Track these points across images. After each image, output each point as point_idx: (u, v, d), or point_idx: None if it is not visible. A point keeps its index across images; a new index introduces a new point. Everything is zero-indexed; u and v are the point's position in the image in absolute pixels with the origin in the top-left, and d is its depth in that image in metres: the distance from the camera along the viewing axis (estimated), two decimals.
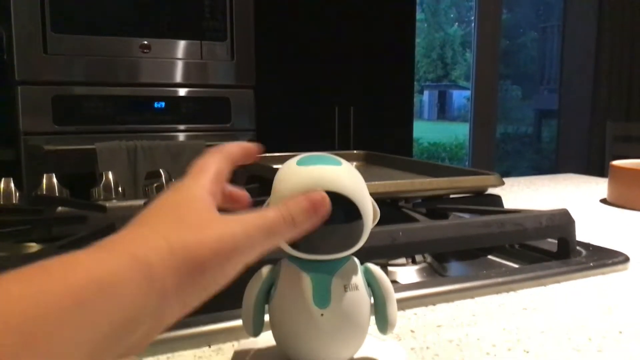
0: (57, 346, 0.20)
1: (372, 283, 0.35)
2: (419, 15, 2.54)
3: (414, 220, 0.68)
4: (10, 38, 1.63)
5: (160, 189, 0.81)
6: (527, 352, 0.41)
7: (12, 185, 0.76)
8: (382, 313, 0.35)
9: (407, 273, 0.59)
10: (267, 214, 0.29)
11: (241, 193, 0.35)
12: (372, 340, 0.38)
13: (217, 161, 0.32)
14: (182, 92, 1.85)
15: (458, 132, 4.15)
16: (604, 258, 0.61)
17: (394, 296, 0.35)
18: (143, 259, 0.24)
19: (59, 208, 0.70)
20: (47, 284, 0.21)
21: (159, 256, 0.24)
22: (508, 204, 0.85)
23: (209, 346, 0.42)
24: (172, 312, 0.25)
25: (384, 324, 0.35)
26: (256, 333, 0.35)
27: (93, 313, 0.21)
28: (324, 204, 0.30)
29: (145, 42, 1.77)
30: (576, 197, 1.08)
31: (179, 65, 1.83)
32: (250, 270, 0.35)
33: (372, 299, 0.35)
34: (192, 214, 0.28)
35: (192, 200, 0.29)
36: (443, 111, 4.82)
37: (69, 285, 0.21)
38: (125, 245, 0.25)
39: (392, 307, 0.34)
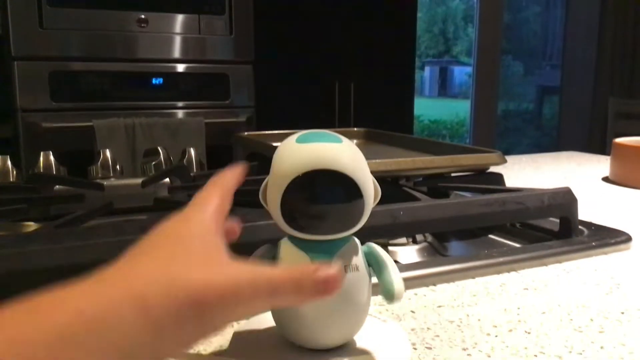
0: None
1: (372, 261, 0.34)
2: None
3: (415, 199, 0.68)
4: (6, 12, 1.61)
5: (158, 166, 0.81)
6: (529, 332, 0.41)
7: (9, 163, 0.75)
8: (386, 281, 0.33)
9: (408, 253, 0.59)
10: (277, 273, 0.26)
11: (232, 226, 0.33)
12: (373, 321, 0.37)
13: (218, 195, 0.30)
14: (180, 67, 1.83)
15: (459, 109, 4.13)
16: (606, 237, 0.61)
17: (396, 268, 0.34)
18: (139, 294, 0.22)
19: (57, 186, 0.70)
20: (33, 323, 0.20)
21: (158, 292, 0.23)
22: (510, 182, 0.85)
23: None
24: (168, 350, 0.24)
25: (390, 291, 0.33)
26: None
27: (81, 349, 0.20)
28: (336, 282, 0.26)
29: (143, 16, 1.75)
30: (578, 176, 1.08)
31: (177, 40, 1.81)
32: (249, 250, 0.34)
33: (372, 279, 0.34)
34: (198, 248, 0.26)
35: (199, 233, 0.27)
36: (444, 87, 4.79)
37: (56, 323, 0.20)
38: (122, 277, 0.24)
39: (396, 274, 0.33)
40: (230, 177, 0.32)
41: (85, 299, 0.22)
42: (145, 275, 0.24)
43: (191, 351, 0.36)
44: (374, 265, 0.34)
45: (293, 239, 0.33)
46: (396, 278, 0.33)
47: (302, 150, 0.31)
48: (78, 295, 0.22)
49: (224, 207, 0.30)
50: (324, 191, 0.31)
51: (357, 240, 0.34)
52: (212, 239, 0.27)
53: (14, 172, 0.75)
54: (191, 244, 0.26)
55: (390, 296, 0.33)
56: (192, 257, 0.25)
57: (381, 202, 0.35)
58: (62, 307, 0.21)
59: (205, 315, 0.24)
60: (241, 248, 0.36)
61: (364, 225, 0.33)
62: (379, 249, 0.35)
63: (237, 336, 0.36)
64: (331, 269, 0.26)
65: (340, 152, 0.31)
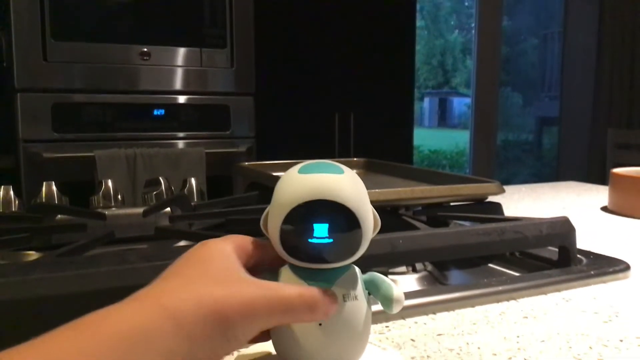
0: None
1: (372, 287, 0.34)
2: (419, 22, 2.54)
3: (414, 228, 0.68)
4: (10, 45, 1.63)
5: (159, 196, 0.81)
6: None
7: (12, 192, 0.76)
8: (385, 292, 0.34)
9: (408, 281, 0.59)
10: (288, 292, 0.30)
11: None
12: (373, 349, 0.37)
13: (242, 237, 0.34)
14: (181, 99, 1.85)
15: (459, 139, 4.15)
16: (605, 266, 0.61)
17: (393, 283, 0.34)
18: (172, 309, 0.26)
19: (59, 216, 0.70)
20: (80, 341, 0.23)
21: (188, 307, 0.26)
22: (509, 212, 0.85)
23: None
24: (202, 357, 0.27)
25: (388, 301, 0.33)
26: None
27: (138, 357, 0.23)
28: (319, 308, 0.31)
29: (145, 50, 1.77)
30: (577, 205, 1.08)
31: (179, 73, 1.83)
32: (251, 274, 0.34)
33: (372, 308, 0.35)
34: (220, 270, 0.30)
35: (220, 257, 0.31)
36: (444, 118, 4.83)
37: (102, 339, 0.23)
38: (156, 297, 0.27)
39: (397, 288, 0.34)
40: (254, 242, 0.35)
41: (127, 316, 0.25)
42: (175, 293, 0.27)
43: None
44: (372, 286, 0.34)
45: (293, 267, 0.33)
46: (395, 287, 0.34)
47: (302, 181, 0.32)
48: (120, 314, 0.25)
49: (246, 247, 0.34)
50: (322, 221, 0.31)
51: (357, 269, 0.35)
52: (231, 262, 0.31)
53: (17, 202, 0.75)
54: (211, 265, 0.30)
55: (388, 303, 0.33)
56: (214, 278, 0.29)
57: (381, 231, 0.35)
58: (106, 325, 0.24)
59: (228, 327, 0.27)
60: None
61: (364, 254, 0.33)
62: (376, 276, 0.35)
63: (238, 356, 0.36)
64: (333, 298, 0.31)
65: (341, 182, 0.32)
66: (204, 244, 0.32)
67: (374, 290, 0.34)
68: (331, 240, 0.31)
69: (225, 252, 0.31)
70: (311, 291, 0.31)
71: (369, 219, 0.33)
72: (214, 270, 0.29)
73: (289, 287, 0.31)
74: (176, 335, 0.25)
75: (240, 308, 0.28)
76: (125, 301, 0.26)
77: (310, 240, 0.31)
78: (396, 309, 0.34)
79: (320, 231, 0.31)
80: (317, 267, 0.32)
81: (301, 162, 0.34)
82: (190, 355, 0.26)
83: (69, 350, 0.22)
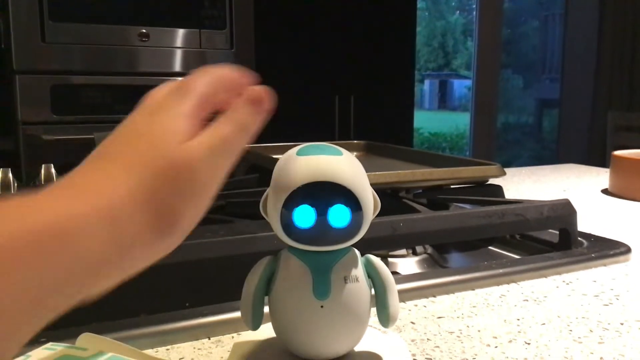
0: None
1: (372, 275, 0.34)
2: (419, 3, 2.52)
3: (415, 210, 0.68)
4: (8, 27, 1.62)
5: None
6: (528, 343, 0.41)
7: (11, 175, 0.75)
8: (383, 305, 0.34)
9: (408, 264, 0.59)
10: (222, 130, 0.28)
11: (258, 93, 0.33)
12: (373, 332, 0.37)
13: (205, 83, 0.29)
14: None
15: (459, 121, 4.14)
16: (606, 249, 0.61)
17: (395, 288, 0.34)
18: (105, 203, 0.22)
19: None
20: (1, 225, 0.20)
21: (122, 199, 0.23)
22: (509, 195, 0.85)
23: (209, 338, 0.41)
24: (137, 262, 0.24)
25: (385, 316, 0.34)
26: (255, 326, 0.34)
27: (45, 258, 0.20)
28: (263, 99, 0.30)
29: (144, 31, 1.76)
30: (578, 188, 1.08)
31: (178, 54, 1.82)
32: (250, 262, 0.34)
33: (372, 290, 0.35)
34: (161, 142, 0.26)
35: (165, 131, 0.26)
36: (444, 101, 4.81)
37: (25, 229, 0.20)
38: (87, 185, 0.23)
39: (394, 299, 0.34)
40: (226, 71, 0.31)
41: (53, 207, 0.21)
42: (109, 181, 0.23)
43: None
44: (373, 282, 0.34)
45: (293, 250, 0.33)
46: (392, 302, 0.34)
47: (302, 163, 0.32)
48: (46, 204, 0.22)
49: (208, 99, 0.29)
50: (322, 203, 0.31)
51: (356, 251, 0.34)
52: (178, 137, 0.26)
53: (15, 185, 0.75)
54: (154, 139, 0.26)
55: (385, 321, 0.34)
56: (153, 148, 0.26)
57: (381, 213, 0.35)
58: (32, 214, 0.21)
59: (180, 176, 0.24)
60: (242, 259, 0.36)
61: (364, 236, 0.33)
62: (377, 262, 0.35)
63: (238, 347, 0.36)
64: (251, 91, 0.30)
65: (340, 164, 0.32)
66: (154, 111, 0.28)
67: (373, 285, 0.34)
68: (332, 222, 0.31)
69: (176, 124, 0.27)
70: (238, 115, 0.29)
71: (369, 200, 0.32)
72: (155, 144, 0.26)
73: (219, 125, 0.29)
74: (106, 236, 0.22)
75: (189, 151, 0.25)
76: (53, 189, 0.23)
77: (310, 222, 0.31)
78: (390, 326, 0.34)
79: (321, 213, 0.31)
80: (317, 249, 0.32)
81: (300, 144, 0.34)
82: (121, 262, 0.23)
83: None
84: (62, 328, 0.36)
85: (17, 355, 0.30)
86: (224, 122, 0.28)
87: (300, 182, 0.31)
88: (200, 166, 0.26)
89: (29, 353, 0.31)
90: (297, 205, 0.31)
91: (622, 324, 0.44)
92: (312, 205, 0.31)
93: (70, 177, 0.24)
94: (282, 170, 0.32)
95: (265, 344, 0.36)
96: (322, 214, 0.31)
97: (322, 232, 0.31)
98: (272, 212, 0.32)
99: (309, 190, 0.31)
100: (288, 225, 0.31)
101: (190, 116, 0.27)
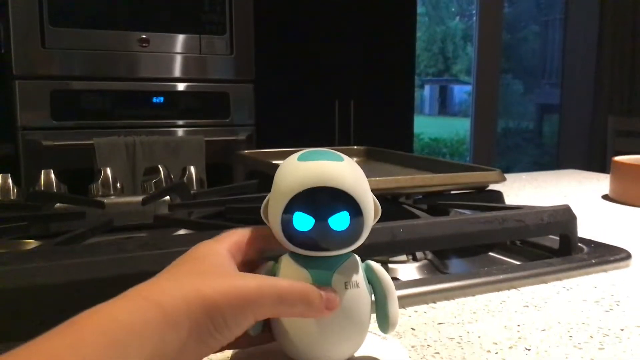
0: None
1: (373, 280, 0.34)
2: (419, 9, 2.53)
3: (415, 216, 0.68)
4: (8, 32, 1.62)
5: (158, 184, 0.81)
6: (529, 349, 0.41)
7: (10, 181, 0.75)
8: (383, 312, 0.34)
9: (408, 270, 0.59)
10: (281, 282, 0.31)
11: None
12: (373, 338, 0.37)
13: (240, 233, 0.34)
14: (181, 86, 1.85)
15: (459, 127, 4.14)
16: (606, 255, 0.61)
17: (395, 294, 0.34)
18: (159, 302, 0.26)
19: (57, 204, 0.70)
20: (80, 333, 0.23)
21: (175, 298, 0.27)
22: (509, 200, 0.85)
23: None
24: (193, 349, 0.27)
25: (385, 322, 0.34)
26: (256, 331, 0.34)
27: (123, 351, 0.24)
28: (336, 302, 0.31)
29: (144, 36, 1.76)
30: (578, 193, 1.08)
31: (178, 60, 1.82)
32: (251, 267, 0.34)
33: (372, 296, 0.34)
34: (211, 266, 0.30)
35: (212, 256, 0.31)
36: (444, 106, 4.81)
37: (101, 331, 0.24)
38: (144, 292, 0.27)
39: (394, 305, 0.34)
40: (256, 231, 0.35)
41: (113, 312, 0.25)
42: (163, 288, 0.28)
43: None
44: (373, 288, 0.34)
45: (294, 255, 0.33)
46: (392, 308, 0.34)
47: (303, 168, 0.32)
48: (105, 311, 0.25)
49: (242, 245, 0.34)
50: (323, 208, 0.31)
51: (357, 257, 0.34)
52: (222, 260, 0.31)
53: (15, 190, 0.75)
54: (203, 263, 0.30)
55: (385, 327, 0.34)
56: (203, 272, 0.29)
57: (381, 219, 0.35)
58: (93, 322, 0.24)
59: (216, 315, 0.27)
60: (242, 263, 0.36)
61: (364, 242, 0.33)
62: (378, 268, 0.35)
63: (238, 353, 0.36)
64: (332, 295, 0.31)
65: (342, 170, 0.32)
66: (198, 246, 0.32)
67: (374, 291, 0.34)
68: (332, 227, 0.31)
69: (218, 251, 0.31)
70: (304, 284, 0.31)
71: (370, 206, 0.32)
72: (205, 267, 0.30)
73: (283, 279, 0.32)
74: (164, 327, 0.26)
75: (226, 293, 0.28)
76: (114, 299, 0.26)
77: (311, 228, 0.31)
78: (390, 332, 0.34)
79: (322, 218, 0.31)
80: (318, 254, 0.32)
81: (301, 149, 0.34)
82: (180, 346, 0.26)
83: (56, 350, 0.22)
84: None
85: None
86: (292, 282, 0.31)
87: (301, 187, 0.31)
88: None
89: None
90: (298, 210, 0.31)
91: (622, 329, 0.44)
92: (312, 211, 0.31)
93: (132, 288, 0.28)
94: (283, 176, 0.32)
95: (265, 348, 0.36)
96: (322, 219, 0.31)
97: (322, 237, 0.31)
98: (273, 217, 0.32)
99: (310, 196, 0.31)
100: (289, 230, 0.31)
101: (228, 249, 0.33)
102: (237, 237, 0.34)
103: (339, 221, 0.31)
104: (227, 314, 0.28)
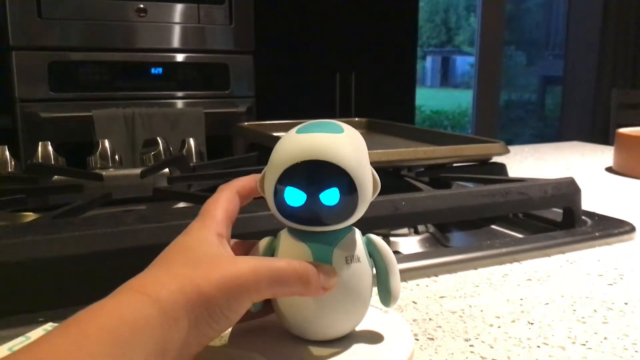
0: None
1: (374, 254, 0.34)
2: None
3: (417, 189, 0.67)
4: (4, 2, 1.60)
5: (157, 157, 0.80)
6: (532, 323, 0.40)
7: (8, 153, 0.75)
8: (384, 285, 0.33)
9: (410, 243, 0.58)
10: (277, 262, 0.30)
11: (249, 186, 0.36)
12: (375, 312, 0.37)
13: (225, 200, 0.34)
14: (179, 57, 1.82)
15: (461, 99, 4.11)
16: (610, 228, 0.60)
17: (397, 268, 0.34)
18: (155, 296, 0.26)
19: (55, 177, 0.69)
20: (85, 331, 0.23)
21: (170, 291, 0.27)
22: (512, 173, 0.84)
23: None
24: (194, 341, 0.27)
25: (386, 296, 0.33)
26: (257, 308, 0.34)
27: (128, 348, 0.24)
28: (331, 284, 0.31)
29: (141, 6, 1.73)
30: (581, 166, 1.07)
31: (176, 30, 1.80)
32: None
33: (374, 270, 0.34)
34: (200, 255, 0.30)
35: (200, 243, 0.31)
36: (446, 78, 4.77)
37: (106, 329, 0.24)
38: (139, 287, 0.27)
39: (395, 279, 0.33)
40: (243, 181, 0.35)
41: (110, 310, 0.25)
42: (157, 280, 0.27)
43: None
44: (374, 261, 0.34)
45: (292, 230, 0.32)
46: (394, 282, 0.33)
47: (297, 141, 0.31)
48: (103, 309, 0.25)
49: (230, 214, 0.33)
50: (315, 182, 0.30)
51: (358, 231, 0.34)
52: (212, 246, 0.31)
53: (13, 163, 0.74)
54: (195, 252, 0.30)
55: (386, 301, 0.34)
56: (195, 261, 0.29)
57: (383, 192, 0.34)
58: (92, 321, 0.24)
59: (214, 310, 0.27)
60: (241, 239, 0.35)
61: (365, 215, 0.32)
62: (379, 242, 0.34)
63: (237, 327, 0.36)
64: (330, 271, 0.31)
65: (337, 142, 0.30)
66: (187, 234, 0.32)
67: (375, 266, 0.34)
68: (324, 202, 0.30)
69: (208, 239, 0.31)
70: (300, 263, 0.30)
71: (367, 180, 0.31)
72: (198, 256, 0.30)
73: (279, 259, 0.31)
74: (163, 321, 0.26)
75: (221, 285, 0.28)
76: (110, 296, 0.26)
77: (303, 203, 0.30)
78: (392, 305, 0.34)
79: (313, 193, 0.30)
80: (313, 229, 0.31)
81: (303, 122, 0.33)
82: (181, 341, 0.26)
83: (62, 348, 0.23)
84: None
85: (17, 336, 0.31)
86: (287, 260, 0.30)
87: (293, 161, 0.30)
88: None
89: (28, 334, 0.31)
90: (289, 184, 0.30)
91: (626, 303, 0.44)
92: (303, 184, 0.30)
93: (127, 283, 0.28)
94: (279, 148, 0.31)
95: (265, 324, 0.36)
96: (313, 194, 0.30)
97: (313, 211, 0.30)
98: (267, 190, 0.31)
99: (302, 169, 0.30)
100: (280, 204, 0.31)
101: (217, 232, 0.32)
102: (221, 210, 0.33)
103: (331, 196, 0.30)
104: (224, 305, 0.28)
